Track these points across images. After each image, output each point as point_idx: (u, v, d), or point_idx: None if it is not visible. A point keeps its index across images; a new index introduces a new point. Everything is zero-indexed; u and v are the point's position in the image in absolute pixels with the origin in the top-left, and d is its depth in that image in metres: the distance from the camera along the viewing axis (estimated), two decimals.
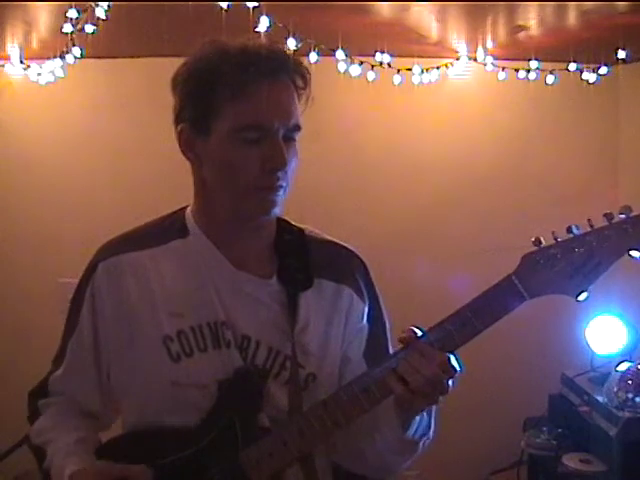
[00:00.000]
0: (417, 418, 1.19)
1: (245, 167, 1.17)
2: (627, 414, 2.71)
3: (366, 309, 1.33)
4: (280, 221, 1.32)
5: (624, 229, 1.07)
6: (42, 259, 3.27)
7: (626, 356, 3.07)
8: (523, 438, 3.15)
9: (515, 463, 3.29)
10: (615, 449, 2.70)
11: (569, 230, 1.09)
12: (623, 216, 1.07)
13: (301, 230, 1.35)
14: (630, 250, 1.07)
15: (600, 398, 2.88)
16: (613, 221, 1.07)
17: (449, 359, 1.11)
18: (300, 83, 1.22)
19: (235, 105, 1.16)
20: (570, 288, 1.10)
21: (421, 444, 1.23)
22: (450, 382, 1.12)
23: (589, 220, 1.09)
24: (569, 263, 1.09)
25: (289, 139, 1.20)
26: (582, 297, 1.11)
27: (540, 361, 3.40)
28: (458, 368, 1.12)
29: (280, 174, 1.18)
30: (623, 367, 2.94)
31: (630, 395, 2.76)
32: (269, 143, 1.17)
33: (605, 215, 1.07)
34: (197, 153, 1.22)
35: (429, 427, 1.24)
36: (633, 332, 3.15)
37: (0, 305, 3.34)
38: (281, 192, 1.20)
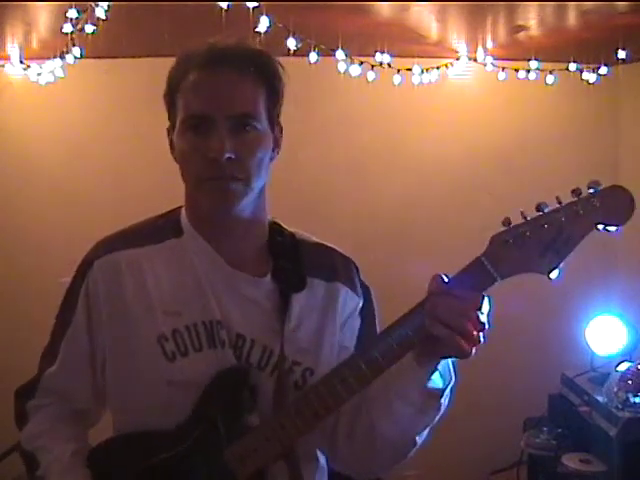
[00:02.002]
0: (437, 373, 1.16)
1: (191, 157, 1.19)
2: (627, 414, 2.72)
3: (360, 304, 1.34)
4: (272, 224, 1.33)
5: (592, 203, 1.06)
6: (42, 259, 3.27)
7: (626, 356, 3.07)
8: (523, 438, 3.15)
9: (515, 463, 3.29)
10: (615, 449, 2.70)
11: (538, 208, 1.08)
12: (591, 191, 1.07)
13: (292, 234, 1.36)
14: (598, 224, 1.07)
15: (600, 398, 2.88)
16: (581, 196, 1.07)
17: (483, 298, 1.09)
18: (262, 75, 1.21)
19: (182, 98, 1.20)
20: (541, 266, 1.09)
21: (444, 400, 1.19)
22: (486, 319, 1.09)
23: (557, 197, 1.08)
24: (539, 241, 1.08)
25: (242, 128, 1.19)
26: (553, 275, 1.09)
27: (540, 361, 3.41)
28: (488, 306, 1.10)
29: (224, 164, 1.17)
30: (623, 367, 2.94)
31: (630, 395, 2.76)
32: (209, 132, 1.17)
33: (573, 191, 1.07)
34: (174, 150, 1.26)
35: (449, 377, 1.19)
36: (633, 332, 3.15)
37: (0, 304, 3.35)
38: (238, 184, 1.19)
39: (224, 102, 1.18)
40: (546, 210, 1.08)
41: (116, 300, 1.25)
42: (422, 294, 1.14)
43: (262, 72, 1.22)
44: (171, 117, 1.25)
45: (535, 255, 1.08)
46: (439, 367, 1.16)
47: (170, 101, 1.24)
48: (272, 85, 1.23)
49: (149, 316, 1.24)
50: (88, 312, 1.27)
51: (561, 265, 1.09)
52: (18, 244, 3.35)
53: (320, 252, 1.36)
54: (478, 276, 1.10)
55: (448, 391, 1.19)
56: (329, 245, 1.38)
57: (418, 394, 1.16)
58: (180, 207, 1.33)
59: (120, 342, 1.26)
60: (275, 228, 1.33)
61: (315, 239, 1.38)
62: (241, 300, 1.26)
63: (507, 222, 1.10)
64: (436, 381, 1.17)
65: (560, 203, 1.08)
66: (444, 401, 1.19)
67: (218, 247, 1.26)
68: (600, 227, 1.07)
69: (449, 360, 1.18)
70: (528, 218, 1.09)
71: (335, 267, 1.34)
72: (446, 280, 1.11)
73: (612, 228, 1.08)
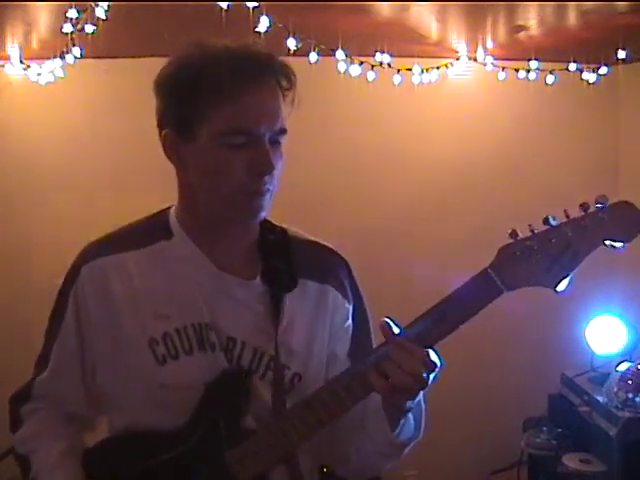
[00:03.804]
0: (404, 420, 1.20)
1: (231, 172, 1.16)
2: (627, 414, 2.72)
3: (351, 309, 1.34)
4: (263, 221, 1.30)
5: (600, 218, 1.07)
6: (41, 258, 3.27)
7: (626, 356, 3.07)
8: (523, 438, 3.15)
9: (515, 463, 3.29)
10: (615, 449, 2.70)
11: (545, 221, 1.09)
12: (600, 206, 1.07)
13: (284, 230, 1.35)
14: (605, 240, 1.07)
15: (600, 398, 2.88)
16: (589, 211, 1.07)
17: (429, 354, 1.11)
18: (285, 84, 1.21)
19: (221, 109, 1.15)
20: (548, 279, 1.10)
21: (408, 448, 1.24)
22: (430, 376, 1.12)
23: (565, 211, 1.09)
24: (546, 254, 1.08)
25: (275, 142, 1.19)
26: (560, 288, 1.10)
27: (540, 361, 3.41)
28: (438, 363, 1.12)
29: (267, 178, 1.17)
30: (623, 367, 2.94)
31: (630, 395, 2.76)
32: (256, 148, 1.16)
33: (581, 205, 1.07)
34: (182, 157, 1.21)
35: (418, 429, 1.24)
36: (633, 332, 3.15)
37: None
38: (268, 196, 1.20)
39: (270, 117, 1.17)
40: (553, 224, 1.09)
41: (105, 305, 1.25)
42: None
43: (290, 83, 1.21)
44: (185, 123, 1.18)
45: (542, 268, 1.09)
46: (414, 411, 1.19)
47: (187, 107, 1.17)
48: (292, 96, 1.23)
49: (139, 320, 1.24)
50: (77, 318, 1.27)
51: (568, 279, 1.09)
52: (18, 243, 3.34)
53: (312, 251, 1.34)
54: (485, 287, 1.11)
55: (419, 436, 1.24)
56: (322, 243, 1.37)
57: (385, 443, 1.20)
58: (167, 209, 1.32)
59: (111, 347, 1.26)
60: (266, 226, 1.32)
61: (308, 236, 1.37)
62: (231, 303, 1.25)
63: (514, 234, 1.11)
64: (408, 427, 1.21)
65: (568, 217, 1.09)
66: (407, 450, 1.24)
67: (208, 250, 1.26)
68: (607, 243, 1.08)
69: (423, 411, 1.23)
70: (535, 231, 1.10)
71: (326, 268, 1.33)
72: (396, 331, 1.13)
73: (618, 244, 1.08)
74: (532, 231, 1.10)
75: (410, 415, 1.20)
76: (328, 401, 1.16)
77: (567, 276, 1.09)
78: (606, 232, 1.07)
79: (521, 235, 1.10)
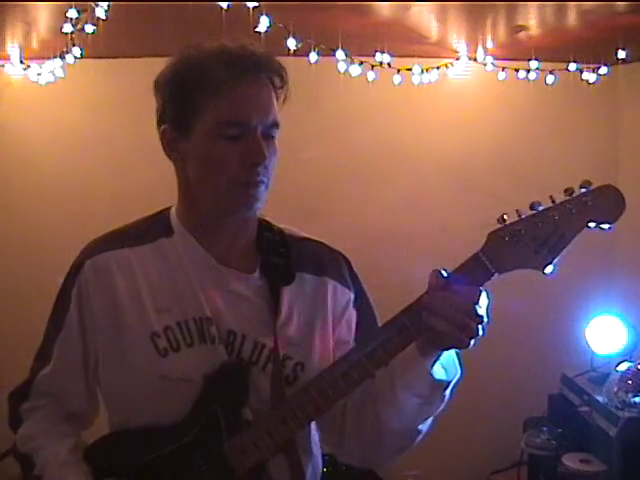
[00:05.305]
0: (439, 365, 1.19)
1: (226, 163, 1.20)
2: (627, 414, 2.72)
3: (352, 296, 1.36)
4: (261, 221, 1.35)
5: (584, 202, 1.10)
6: (42, 258, 3.27)
7: (626, 356, 3.07)
8: (523, 438, 3.15)
9: (515, 463, 3.29)
10: (615, 449, 2.70)
11: (532, 207, 1.13)
12: (584, 190, 1.11)
13: (281, 229, 1.38)
14: (590, 222, 1.11)
15: (600, 398, 2.88)
16: (573, 195, 1.11)
17: (481, 292, 1.13)
18: (278, 83, 1.25)
19: (215, 103, 1.19)
20: (536, 262, 1.13)
21: (449, 390, 1.22)
22: (484, 313, 1.12)
23: (551, 196, 1.13)
24: (533, 238, 1.12)
25: (268, 136, 1.23)
26: (548, 270, 1.14)
27: (540, 361, 3.41)
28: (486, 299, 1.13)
29: (260, 169, 1.21)
30: (623, 367, 2.94)
31: (630, 395, 2.76)
32: (248, 139, 1.20)
33: (566, 190, 1.12)
34: (180, 153, 1.25)
35: (454, 368, 1.22)
36: (633, 332, 3.15)
37: (0, 304, 3.35)
38: (262, 187, 1.23)
39: (263, 110, 1.22)
40: (540, 208, 1.13)
41: (108, 299, 1.27)
42: (422, 292, 1.15)
43: (283, 81, 1.25)
44: (182, 118, 1.22)
45: (530, 251, 1.13)
46: (442, 361, 1.19)
47: (183, 102, 1.21)
48: (284, 93, 1.27)
49: (141, 314, 1.26)
50: (80, 313, 1.29)
51: (555, 261, 1.13)
52: (18, 243, 3.35)
53: (308, 246, 1.38)
54: (476, 270, 1.14)
55: (453, 384, 1.22)
56: (317, 239, 1.40)
57: (424, 385, 1.19)
58: (168, 208, 1.35)
59: (113, 341, 1.27)
60: (264, 224, 1.36)
61: (304, 234, 1.40)
62: (231, 296, 1.28)
63: (502, 219, 1.15)
64: (439, 374, 1.20)
65: (554, 202, 1.13)
66: (448, 392, 1.22)
67: (208, 245, 1.29)
68: (592, 225, 1.12)
69: (454, 355, 1.22)
70: (523, 216, 1.14)
71: (323, 261, 1.36)
72: (445, 274, 1.15)
73: (605, 226, 1.12)
74: (519, 216, 1.14)
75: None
76: (326, 388, 1.18)
77: (555, 259, 1.13)
78: (590, 214, 1.11)
79: (509, 220, 1.14)
